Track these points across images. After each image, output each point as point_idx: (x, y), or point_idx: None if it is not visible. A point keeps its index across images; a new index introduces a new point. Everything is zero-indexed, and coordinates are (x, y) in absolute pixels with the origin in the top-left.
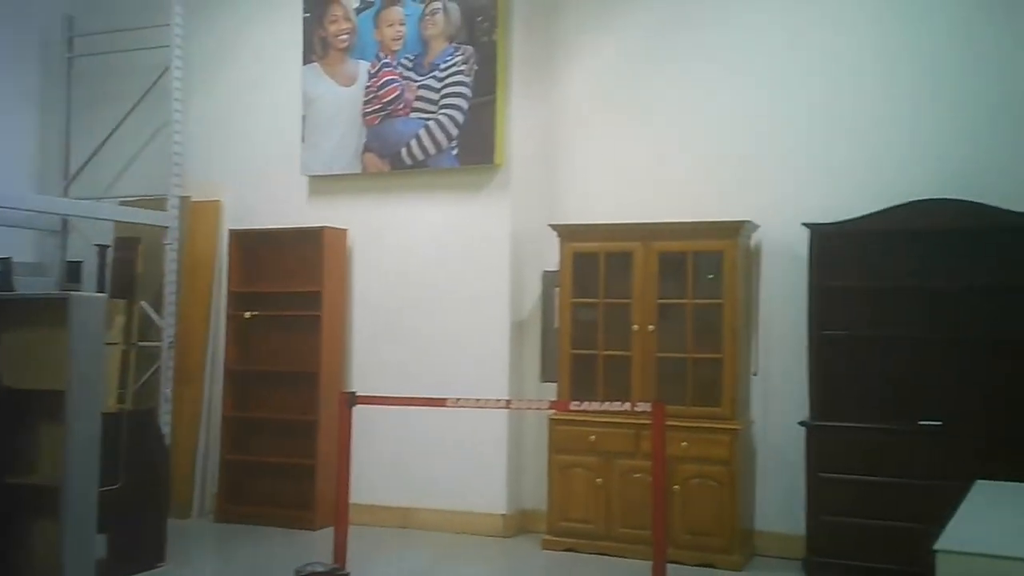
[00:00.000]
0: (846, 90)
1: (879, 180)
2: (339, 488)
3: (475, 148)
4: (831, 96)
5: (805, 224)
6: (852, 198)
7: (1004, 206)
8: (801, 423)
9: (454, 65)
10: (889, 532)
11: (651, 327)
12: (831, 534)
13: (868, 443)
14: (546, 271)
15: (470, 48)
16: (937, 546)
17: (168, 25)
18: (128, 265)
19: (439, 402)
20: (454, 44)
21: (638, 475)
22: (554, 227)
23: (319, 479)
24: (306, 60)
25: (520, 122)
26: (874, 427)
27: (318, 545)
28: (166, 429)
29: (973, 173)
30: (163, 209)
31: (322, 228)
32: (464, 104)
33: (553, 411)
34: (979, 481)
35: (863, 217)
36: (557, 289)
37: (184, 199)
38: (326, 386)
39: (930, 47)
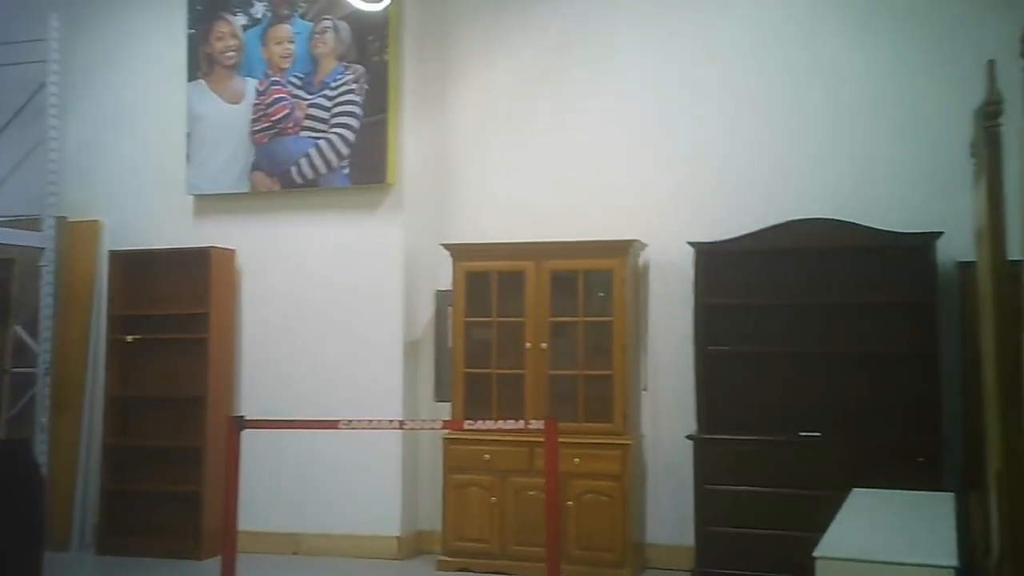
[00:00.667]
0: (728, 115)
1: (760, 200)
2: (226, 515)
3: (367, 167)
4: (714, 120)
5: (690, 243)
6: (736, 218)
7: (873, 225)
8: (688, 437)
9: (345, 84)
10: (774, 540)
11: (543, 345)
12: (718, 545)
13: (752, 454)
14: (439, 290)
15: (361, 67)
16: (817, 553)
17: (44, 40)
18: (1, 287)
19: (331, 424)
20: (344, 63)
21: (532, 492)
22: (447, 246)
23: (206, 507)
24: (191, 77)
25: (413, 141)
26: (757, 439)
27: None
28: (42, 459)
29: (845, 194)
30: (38, 230)
31: (209, 248)
32: (355, 123)
33: (447, 431)
34: (855, 489)
35: (743, 236)
36: (450, 308)
37: (60, 219)
38: (213, 411)
39: (803, 74)
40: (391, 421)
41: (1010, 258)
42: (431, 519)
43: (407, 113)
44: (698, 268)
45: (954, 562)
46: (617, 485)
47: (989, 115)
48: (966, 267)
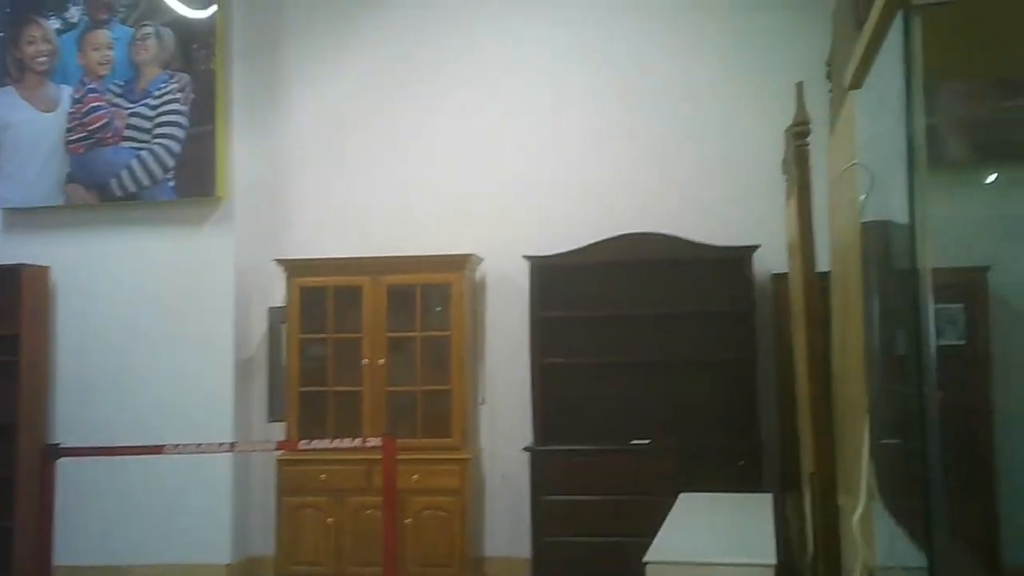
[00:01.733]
0: (563, 133)
1: (593, 215)
2: (41, 550)
3: (194, 180)
4: (549, 137)
5: (526, 257)
6: (570, 232)
7: (696, 239)
8: (525, 448)
9: (169, 93)
10: (608, 548)
11: (381, 361)
12: (554, 554)
13: (586, 464)
14: (272, 307)
15: (186, 76)
16: (646, 558)
17: None
18: None
19: (155, 449)
20: (169, 71)
21: (370, 511)
22: (280, 262)
23: (17, 542)
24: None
25: (244, 153)
26: (591, 448)
27: None
28: None
29: (672, 209)
30: None
31: (19, 266)
32: (180, 133)
33: (281, 451)
34: (683, 493)
35: (576, 250)
36: (284, 325)
37: None
38: (26, 439)
39: (634, 96)
40: (220, 444)
41: (819, 270)
42: (264, 544)
43: (237, 124)
44: (533, 281)
45: (773, 560)
46: (456, 500)
47: (798, 134)
48: (780, 278)
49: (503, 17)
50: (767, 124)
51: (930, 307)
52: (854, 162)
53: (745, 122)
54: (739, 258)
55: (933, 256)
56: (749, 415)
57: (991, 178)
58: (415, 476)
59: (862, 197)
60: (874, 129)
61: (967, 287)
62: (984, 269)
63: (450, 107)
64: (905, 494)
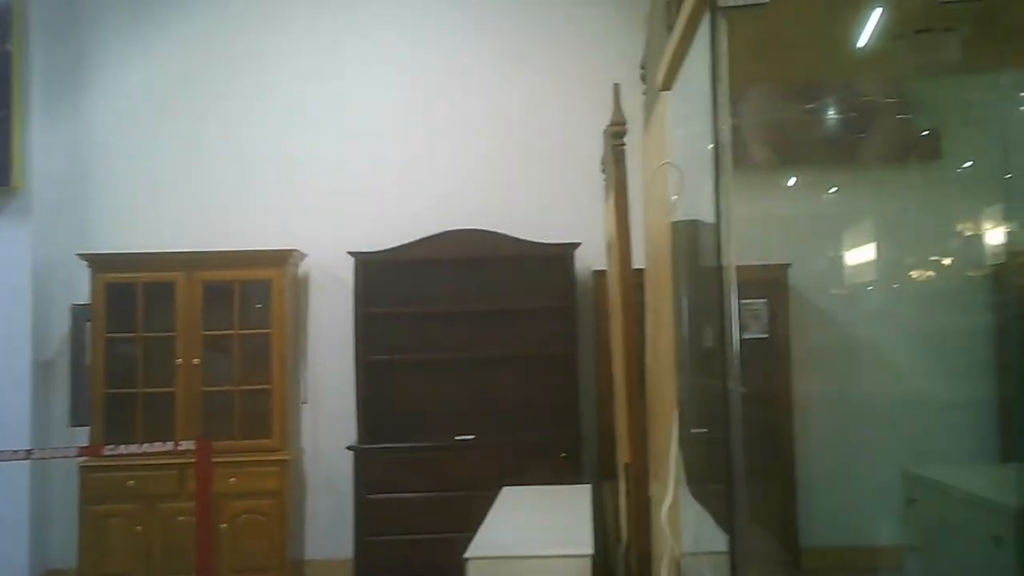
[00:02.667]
0: (389, 128)
1: (419, 212)
2: None
3: None
4: (375, 132)
5: (350, 252)
6: (396, 228)
7: (521, 236)
8: (349, 447)
9: None
10: (431, 545)
11: (196, 360)
12: (377, 554)
13: (411, 461)
14: (75, 304)
15: None
16: (467, 554)
17: None
18: None
19: None
20: None
21: (183, 518)
22: (84, 256)
23: None
24: None
25: (44, 141)
26: (416, 446)
27: None
28: None
29: (496, 206)
30: None
31: None
32: None
33: (84, 458)
34: (505, 488)
35: (402, 246)
36: (89, 324)
37: None
38: None
39: (460, 95)
40: (16, 451)
41: (635, 267)
42: (65, 556)
43: (36, 109)
44: (358, 277)
45: (590, 551)
46: (275, 503)
47: (615, 134)
48: (601, 275)
49: (328, 5)
50: (589, 123)
51: (734, 303)
52: (665, 161)
53: (569, 121)
54: (562, 255)
55: (738, 254)
56: (571, 409)
57: (791, 181)
58: (232, 479)
59: (673, 197)
60: (685, 130)
61: (770, 283)
62: (786, 266)
63: (273, 95)
64: (712, 482)
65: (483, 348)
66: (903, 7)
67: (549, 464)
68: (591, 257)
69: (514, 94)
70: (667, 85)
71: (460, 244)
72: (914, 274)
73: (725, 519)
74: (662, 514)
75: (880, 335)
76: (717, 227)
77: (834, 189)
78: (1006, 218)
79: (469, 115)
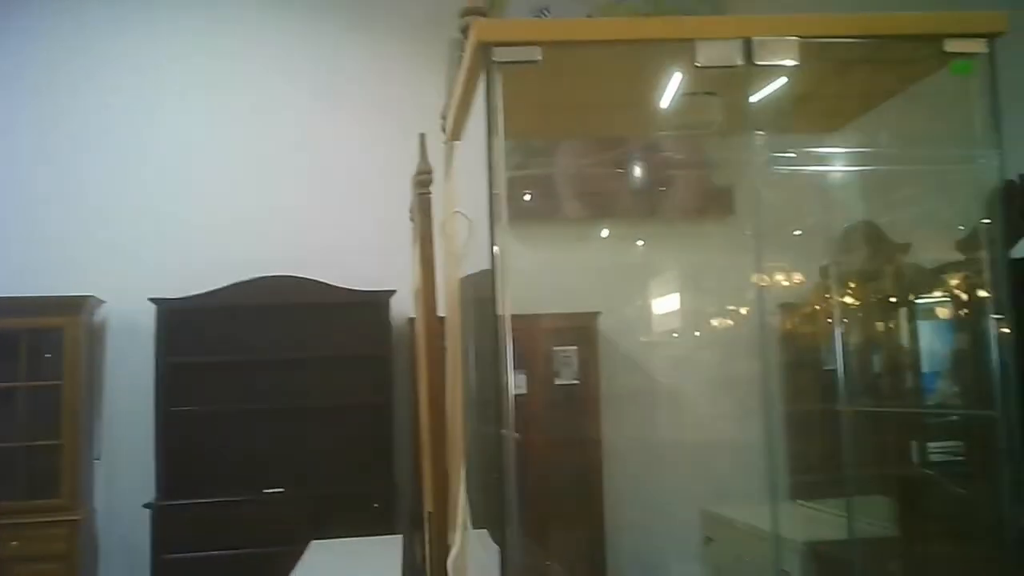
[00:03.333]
0: (197, 170)
1: (226, 258)
2: None
3: None
4: (180, 174)
5: (152, 299)
6: (203, 274)
7: (335, 283)
8: (146, 505)
9: None
10: None
11: None
12: None
13: (215, 517)
14: None
15: None
16: None
17: None
18: None
19: None
20: None
21: None
22: None
23: None
24: None
25: None
26: (221, 500)
27: None
28: None
29: (310, 253)
30: None
31: None
32: None
33: None
34: (314, 542)
35: (209, 293)
36: None
37: None
38: None
39: (274, 139)
40: None
41: (440, 314)
42: None
43: None
44: (160, 325)
45: None
46: (63, 567)
47: (421, 183)
48: (414, 322)
49: (128, 41)
50: (402, 169)
51: (509, 351)
52: (456, 211)
53: (384, 166)
54: (377, 302)
55: (551, 302)
56: (385, 458)
57: (604, 232)
58: (15, 543)
59: (462, 245)
60: (476, 181)
61: (582, 331)
62: (596, 314)
63: (67, 132)
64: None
65: (295, 398)
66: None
67: (362, 516)
68: (407, 304)
69: (327, 137)
70: (455, 135)
71: (271, 291)
72: (714, 322)
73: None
74: (449, 563)
75: (683, 381)
76: (492, 277)
77: (641, 241)
78: (790, 271)
79: (283, 160)
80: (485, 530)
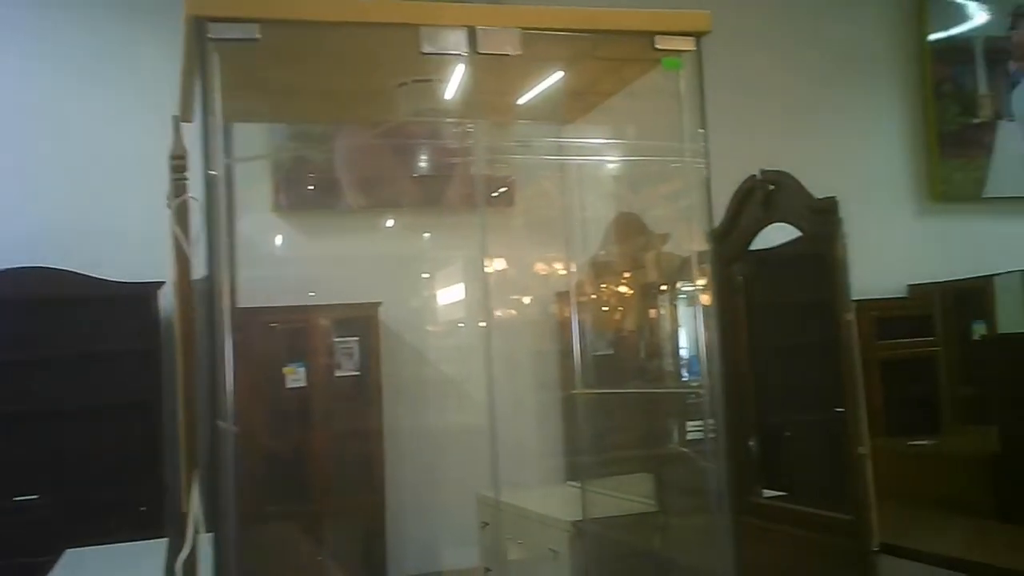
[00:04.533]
0: None
1: None
2: None
3: None
4: None
5: None
6: None
7: (97, 275)
8: None
9: None
10: None
11: None
12: None
13: None
14: None
15: None
16: None
17: None
18: None
19: None
20: None
21: None
22: None
23: None
24: None
25: None
26: None
27: None
28: None
29: (66, 243)
30: None
31: None
32: None
33: None
34: (69, 550)
35: None
36: None
37: None
38: None
39: (24, 121)
40: None
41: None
42: None
43: None
44: None
45: None
46: None
47: (176, 168)
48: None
49: None
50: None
51: (228, 342)
52: (187, 195)
53: (147, 152)
54: (144, 295)
55: (331, 293)
56: (153, 459)
57: (389, 223)
58: None
59: (195, 232)
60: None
61: (363, 321)
62: (377, 304)
63: None
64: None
65: (52, 399)
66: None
67: (127, 520)
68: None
69: (87, 123)
70: (186, 116)
71: (23, 284)
72: (499, 312)
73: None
74: (177, 566)
75: (466, 370)
76: (209, 268)
77: (427, 233)
78: (567, 260)
79: (32, 146)
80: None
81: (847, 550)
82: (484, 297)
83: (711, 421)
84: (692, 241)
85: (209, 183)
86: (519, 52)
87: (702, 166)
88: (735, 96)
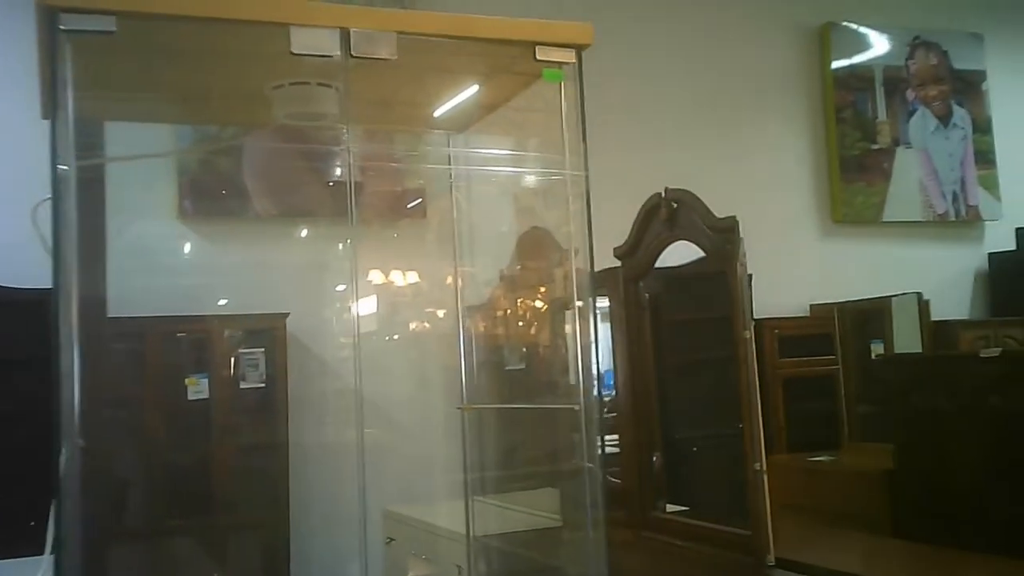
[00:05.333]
0: None
1: None
2: None
3: None
4: None
5: None
6: None
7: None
8: None
9: None
10: None
11: None
12: None
13: None
14: None
15: None
16: None
17: None
18: None
19: None
20: None
21: None
22: None
23: None
24: None
25: None
26: None
27: None
28: None
29: None
30: None
31: None
32: None
33: None
34: None
35: None
36: None
37: None
38: None
39: None
40: None
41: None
42: None
43: None
44: None
45: None
46: None
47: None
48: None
49: None
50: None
51: (76, 357)
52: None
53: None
54: (37, 301)
55: (239, 303)
56: (44, 471)
57: (303, 233)
58: None
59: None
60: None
61: (269, 333)
62: (284, 315)
63: None
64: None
65: None
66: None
67: (15, 534)
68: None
69: None
70: (46, 113)
71: None
72: (412, 325)
73: None
74: None
75: (375, 383)
76: (55, 268)
77: (340, 244)
78: (479, 273)
79: None
80: None
81: (744, 565)
82: (357, 312)
83: (578, 436)
84: (577, 259)
85: (58, 182)
86: (395, 56)
87: (582, 179)
88: (651, 115)
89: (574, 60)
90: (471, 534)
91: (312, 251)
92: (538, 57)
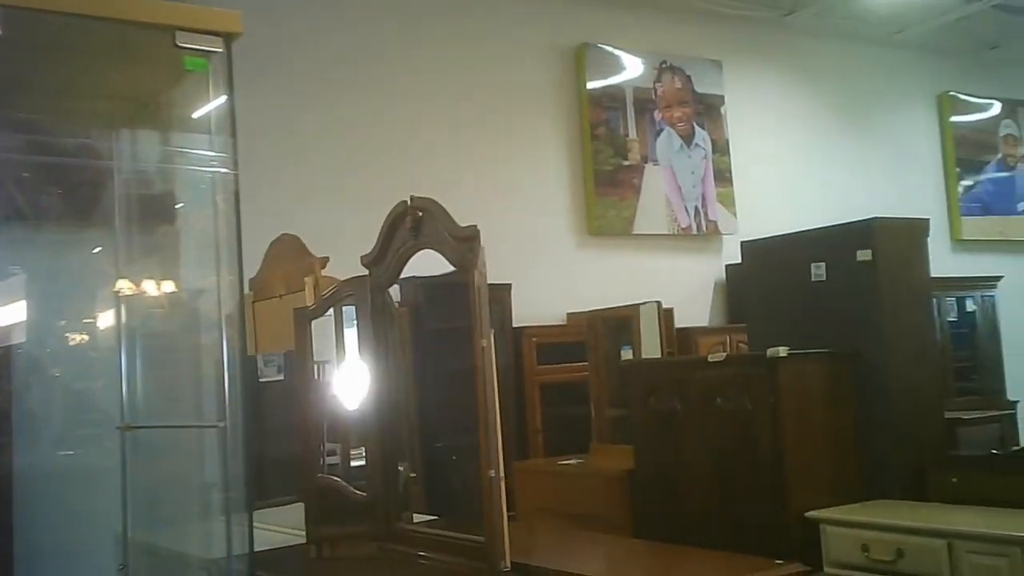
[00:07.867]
0: None
1: None
2: None
3: None
4: None
5: None
6: None
7: None
8: None
9: None
10: None
11: None
12: None
13: None
14: None
15: None
16: None
17: None
18: None
19: None
20: None
21: None
22: None
23: None
24: None
25: None
26: None
27: None
28: None
29: None
30: None
31: None
32: None
33: None
34: None
35: None
36: None
37: None
38: None
39: None
40: None
41: None
42: None
43: None
44: None
45: None
46: None
47: None
48: None
49: None
50: None
51: None
52: None
53: None
54: None
55: None
56: None
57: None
58: None
59: None
60: None
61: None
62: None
63: None
64: None
65: None
66: None
67: None
68: None
69: None
70: None
71: None
72: (162, 338)
73: None
74: None
75: (106, 403)
76: None
77: (98, 248)
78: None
79: None
80: None
81: (480, 572)
82: (120, 323)
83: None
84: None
85: None
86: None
87: (231, 175)
88: (422, 131)
89: (221, 49)
90: (222, 555)
91: (46, 260)
92: (179, 43)
